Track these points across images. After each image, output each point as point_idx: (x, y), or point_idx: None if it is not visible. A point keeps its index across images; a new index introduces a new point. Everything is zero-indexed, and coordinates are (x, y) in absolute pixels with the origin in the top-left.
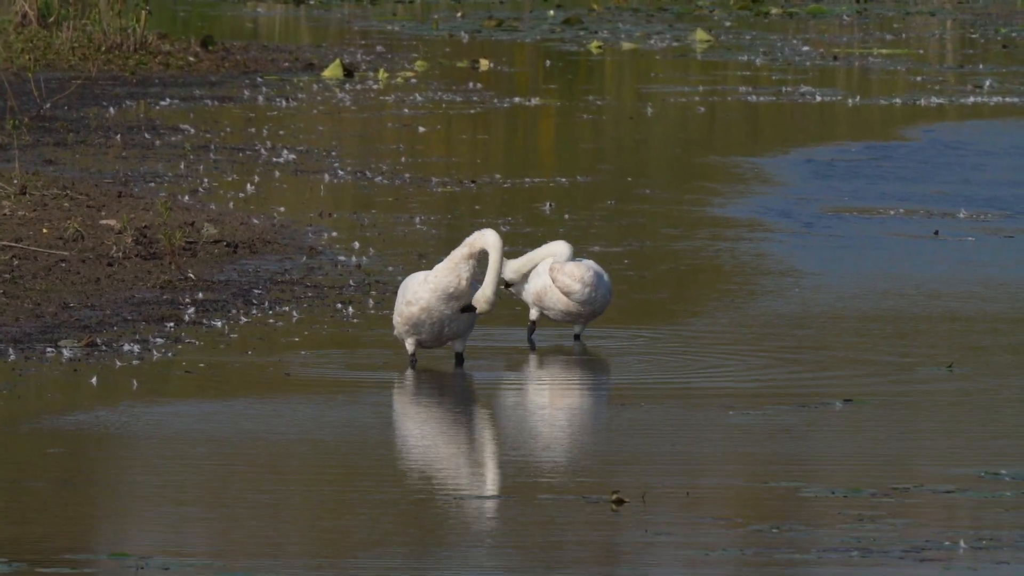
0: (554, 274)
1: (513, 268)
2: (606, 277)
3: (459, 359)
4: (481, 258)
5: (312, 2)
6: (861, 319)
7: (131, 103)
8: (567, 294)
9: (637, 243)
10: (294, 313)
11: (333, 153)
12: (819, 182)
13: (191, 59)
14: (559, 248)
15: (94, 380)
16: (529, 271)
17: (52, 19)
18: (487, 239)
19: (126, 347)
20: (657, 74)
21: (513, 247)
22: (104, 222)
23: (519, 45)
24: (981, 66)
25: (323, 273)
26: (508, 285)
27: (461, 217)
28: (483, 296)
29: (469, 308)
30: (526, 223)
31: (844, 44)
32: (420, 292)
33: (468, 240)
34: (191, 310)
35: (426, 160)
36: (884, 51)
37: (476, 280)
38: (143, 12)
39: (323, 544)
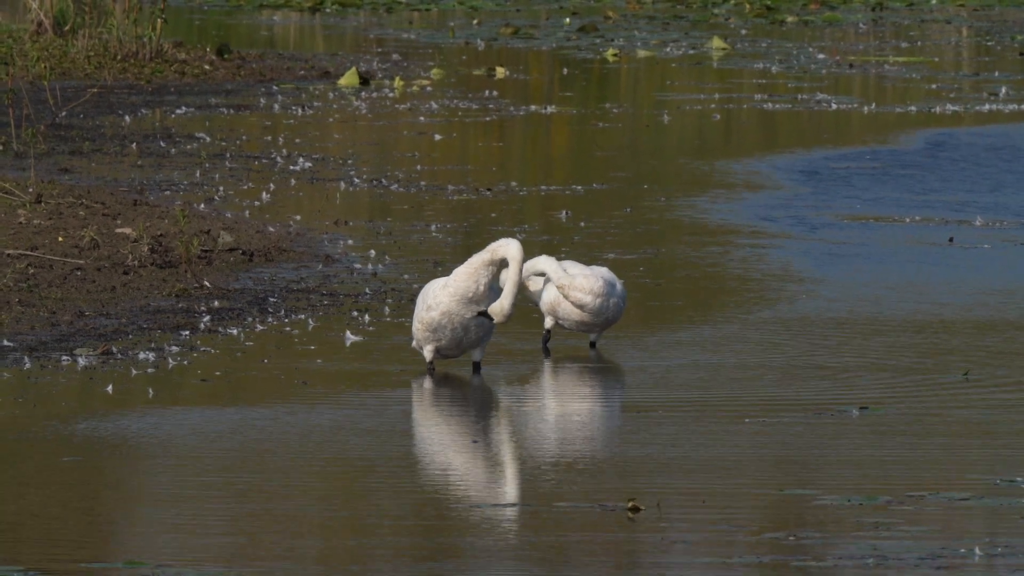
0: (565, 291)
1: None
2: (619, 285)
3: (476, 367)
4: (501, 266)
5: (328, 10)
6: (877, 326)
7: (147, 111)
8: (580, 307)
9: (652, 250)
10: (310, 321)
11: (349, 161)
12: (835, 189)
13: (207, 67)
14: (545, 266)
15: (109, 388)
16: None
17: (67, 28)
18: (510, 251)
19: (141, 355)
20: (673, 82)
21: (530, 255)
22: (120, 230)
23: (535, 53)
24: (997, 73)
25: (339, 281)
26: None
27: (477, 225)
28: (500, 309)
29: (485, 315)
30: (542, 231)
31: (860, 52)
32: (440, 296)
33: (491, 247)
34: (206, 318)
35: (442, 168)
36: (900, 59)
37: (494, 284)
38: (159, 21)
39: (339, 553)
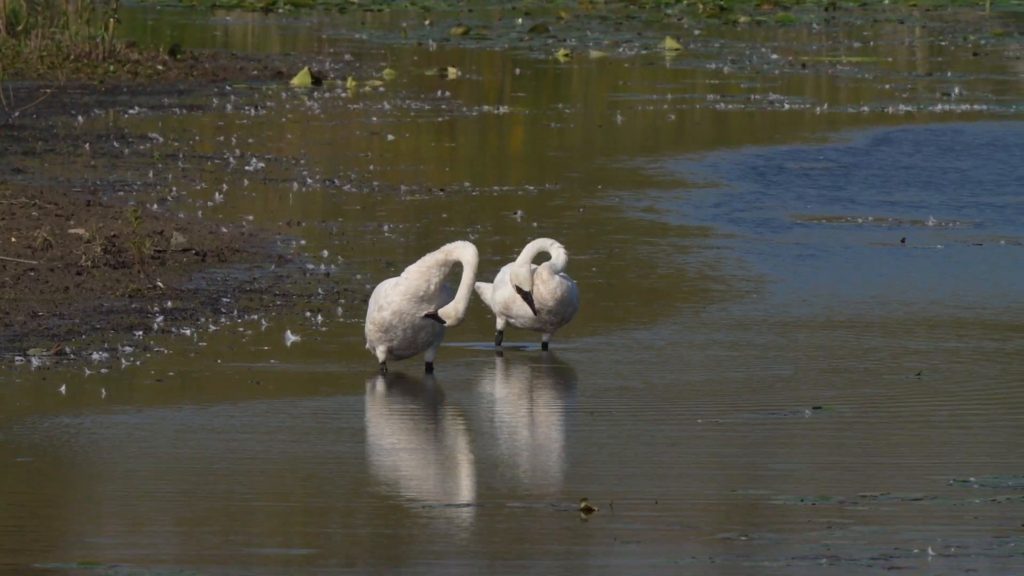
0: (537, 283)
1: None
2: (575, 289)
3: (429, 368)
4: (454, 268)
5: (280, 11)
6: (830, 327)
7: (100, 112)
8: (541, 305)
9: (605, 251)
10: (263, 321)
11: (302, 161)
12: (787, 190)
13: (160, 68)
14: (554, 251)
15: (63, 388)
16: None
17: (20, 28)
18: (465, 254)
19: (95, 355)
20: (626, 82)
21: (482, 255)
22: (73, 231)
23: (487, 53)
24: (950, 73)
25: (292, 281)
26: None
27: (430, 225)
28: (454, 311)
29: (435, 317)
30: (495, 231)
31: (813, 52)
32: (391, 296)
33: (446, 247)
34: (160, 319)
35: (395, 168)
36: (853, 59)
37: (447, 284)
38: (112, 21)
39: (292, 553)
